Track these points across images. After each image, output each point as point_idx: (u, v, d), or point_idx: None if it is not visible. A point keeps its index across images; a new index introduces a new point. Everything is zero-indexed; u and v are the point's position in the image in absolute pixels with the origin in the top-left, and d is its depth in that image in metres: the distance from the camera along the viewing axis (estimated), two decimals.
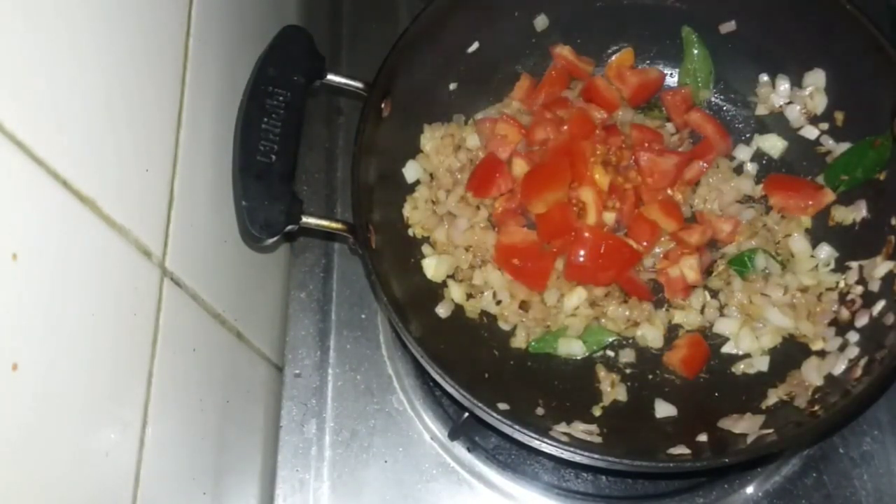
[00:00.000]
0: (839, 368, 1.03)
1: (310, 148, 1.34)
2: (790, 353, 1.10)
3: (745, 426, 1.00)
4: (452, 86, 1.22)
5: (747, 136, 1.25)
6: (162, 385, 0.84)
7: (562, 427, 1.02)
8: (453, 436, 1.14)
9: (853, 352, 1.03)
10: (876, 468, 1.12)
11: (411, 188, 1.20)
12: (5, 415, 0.59)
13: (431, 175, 1.20)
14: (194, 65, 0.93)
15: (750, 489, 1.12)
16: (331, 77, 1.08)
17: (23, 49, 0.60)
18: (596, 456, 0.93)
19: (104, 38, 0.73)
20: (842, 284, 1.11)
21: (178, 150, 0.89)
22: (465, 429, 1.13)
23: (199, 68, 0.95)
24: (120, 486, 0.77)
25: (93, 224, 0.71)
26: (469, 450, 1.15)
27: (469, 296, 1.16)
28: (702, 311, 1.16)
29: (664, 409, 1.08)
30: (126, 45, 0.77)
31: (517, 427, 0.93)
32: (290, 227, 0.99)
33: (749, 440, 0.97)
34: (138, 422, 0.80)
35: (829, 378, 1.03)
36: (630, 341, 1.16)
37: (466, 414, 1.09)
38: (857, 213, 1.13)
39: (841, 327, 1.08)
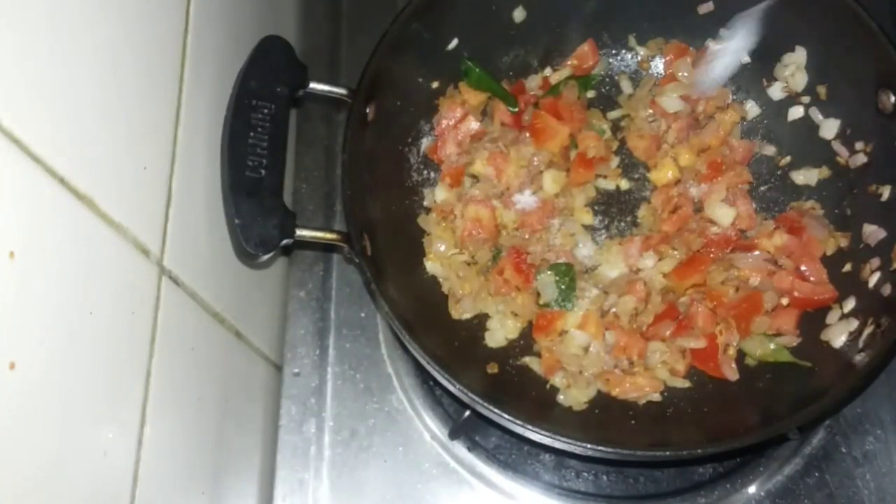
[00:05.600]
0: (840, 341, 1.04)
1: (308, 146, 1.33)
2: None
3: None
4: (435, 84, 1.21)
5: None
6: (160, 384, 0.83)
7: None
8: (453, 435, 1.14)
9: (853, 324, 1.03)
10: (878, 468, 1.12)
11: (409, 191, 1.20)
12: (2, 414, 0.59)
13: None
14: (192, 62, 0.93)
15: (752, 489, 1.12)
16: (314, 85, 1.07)
17: (19, 46, 0.60)
18: (614, 450, 0.94)
19: (102, 35, 0.73)
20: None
21: (175, 148, 0.89)
22: (466, 428, 1.12)
23: (198, 66, 0.94)
24: (118, 485, 0.76)
25: (90, 222, 0.70)
26: (469, 449, 1.14)
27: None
28: None
29: None
30: (124, 43, 0.77)
31: (529, 427, 0.93)
32: (285, 242, 0.98)
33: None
34: (136, 421, 0.79)
35: (832, 350, 1.04)
36: None
37: (467, 413, 1.08)
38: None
39: (839, 299, 1.08)
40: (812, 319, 1.09)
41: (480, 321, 1.15)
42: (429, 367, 0.96)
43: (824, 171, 1.17)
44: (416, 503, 1.13)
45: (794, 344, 1.09)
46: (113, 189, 0.74)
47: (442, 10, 1.14)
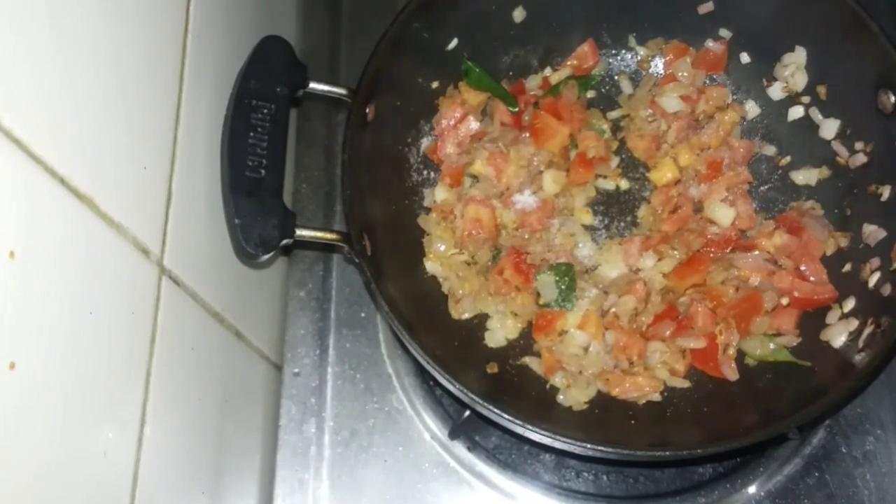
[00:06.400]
0: (839, 341, 1.04)
1: (308, 145, 1.33)
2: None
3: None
4: (435, 84, 1.21)
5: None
6: (160, 384, 0.83)
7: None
8: (453, 435, 1.14)
9: (853, 324, 1.04)
10: (879, 468, 1.12)
11: (409, 192, 1.19)
12: (2, 414, 0.59)
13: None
14: (192, 62, 0.93)
15: (752, 489, 1.12)
16: (313, 85, 1.07)
17: (20, 46, 0.60)
18: (614, 450, 0.94)
19: (102, 36, 0.73)
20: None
21: (175, 148, 0.89)
22: (466, 428, 1.12)
23: (198, 66, 0.94)
24: (118, 485, 0.76)
25: (90, 222, 0.70)
26: (469, 449, 1.14)
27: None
28: None
29: None
30: (124, 43, 0.77)
31: (529, 427, 0.93)
32: (284, 242, 0.98)
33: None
34: (136, 421, 0.79)
35: (832, 350, 1.04)
36: None
37: (467, 413, 1.08)
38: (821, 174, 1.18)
39: (839, 299, 1.08)
40: (812, 319, 1.09)
41: (480, 321, 1.15)
42: (429, 367, 0.96)
43: (824, 171, 1.17)
44: (416, 503, 1.13)
45: (794, 344, 1.09)
46: (113, 189, 0.74)
47: (442, 10, 1.14)
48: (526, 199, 1.19)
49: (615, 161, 1.24)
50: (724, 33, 1.22)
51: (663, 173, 1.21)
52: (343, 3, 1.43)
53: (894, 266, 1.02)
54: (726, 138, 1.22)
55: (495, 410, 0.94)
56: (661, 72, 1.27)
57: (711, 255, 1.15)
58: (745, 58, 1.23)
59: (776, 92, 1.21)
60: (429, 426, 1.16)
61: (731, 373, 1.09)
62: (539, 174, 1.20)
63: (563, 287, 1.12)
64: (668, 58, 1.26)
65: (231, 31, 1.08)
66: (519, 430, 0.95)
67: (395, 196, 1.18)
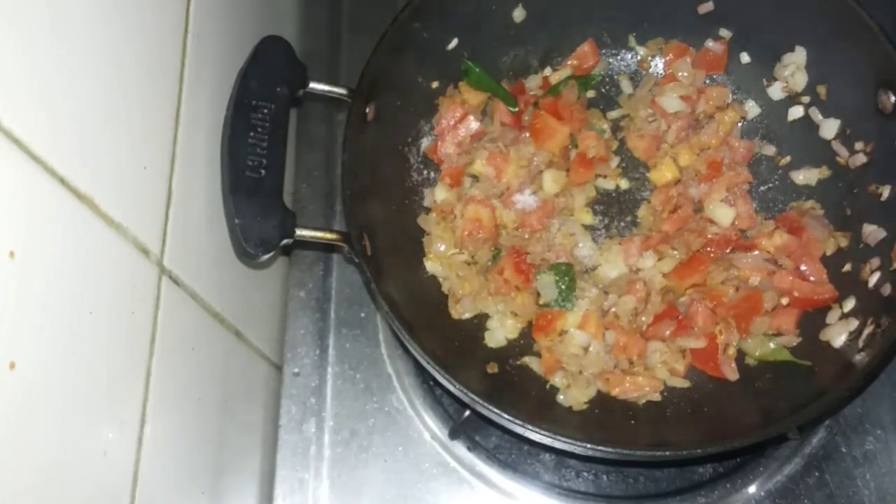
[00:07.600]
0: (840, 341, 1.04)
1: (308, 145, 1.33)
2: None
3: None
4: (435, 84, 1.21)
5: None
6: (160, 384, 0.83)
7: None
8: (453, 435, 1.14)
9: (853, 324, 1.04)
10: (879, 468, 1.12)
11: (409, 192, 1.20)
12: (2, 414, 0.59)
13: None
14: (192, 63, 0.93)
15: (752, 488, 1.12)
16: (313, 85, 1.07)
17: (20, 46, 0.60)
18: (614, 450, 0.94)
19: (102, 35, 0.73)
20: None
21: (175, 148, 0.89)
22: (466, 428, 1.12)
23: (198, 66, 0.94)
24: (118, 485, 0.76)
25: (90, 222, 0.70)
26: (469, 449, 1.14)
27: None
28: None
29: None
30: (124, 43, 0.77)
31: (529, 427, 0.93)
32: (285, 242, 0.98)
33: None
34: (136, 421, 0.79)
35: (832, 350, 1.04)
36: None
37: (467, 412, 1.08)
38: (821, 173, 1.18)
39: (839, 299, 1.09)
40: (812, 319, 1.09)
41: (480, 321, 1.15)
42: (429, 367, 0.96)
43: (824, 171, 1.17)
44: (416, 503, 1.13)
45: (794, 344, 1.09)
46: (113, 189, 0.74)
47: (442, 10, 1.14)
48: (526, 199, 1.19)
49: (615, 161, 1.24)
50: (724, 33, 1.22)
51: (663, 173, 1.21)
52: (343, 3, 1.43)
53: (894, 266, 1.03)
54: (726, 138, 1.22)
55: (495, 410, 0.94)
56: (661, 72, 1.28)
57: (711, 255, 1.15)
58: (745, 58, 1.23)
59: (776, 92, 1.21)
60: (429, 426, 1.16)
61: (731, 373, 1.09)
62: (539, 174, 1.20)
63: (563, 287, 1.12)
64: (668, 58, 1.27)
65: (231, 31, 1.08)
66: (519, 430, 0.95)
67: (395, 196, 1.18)
